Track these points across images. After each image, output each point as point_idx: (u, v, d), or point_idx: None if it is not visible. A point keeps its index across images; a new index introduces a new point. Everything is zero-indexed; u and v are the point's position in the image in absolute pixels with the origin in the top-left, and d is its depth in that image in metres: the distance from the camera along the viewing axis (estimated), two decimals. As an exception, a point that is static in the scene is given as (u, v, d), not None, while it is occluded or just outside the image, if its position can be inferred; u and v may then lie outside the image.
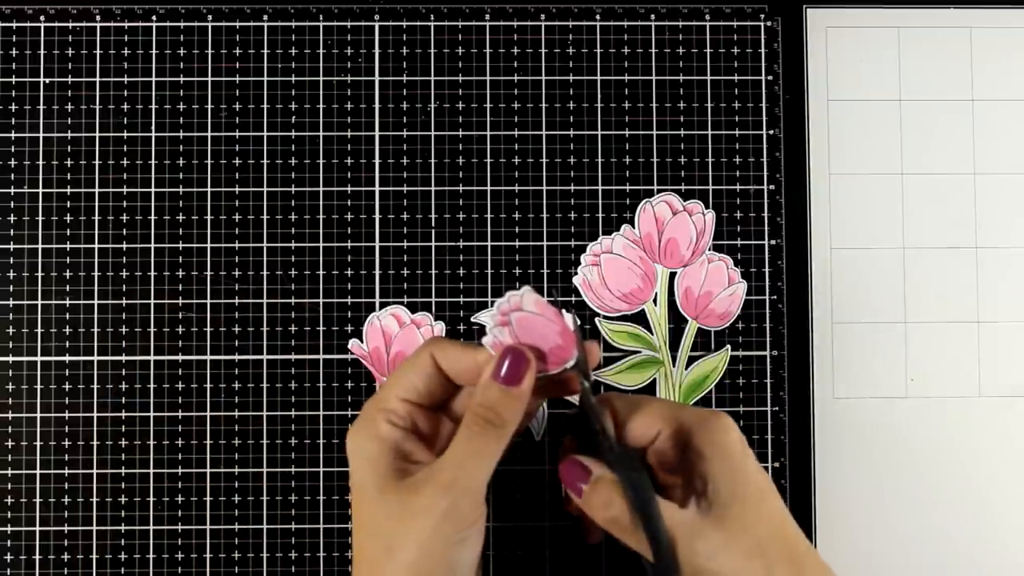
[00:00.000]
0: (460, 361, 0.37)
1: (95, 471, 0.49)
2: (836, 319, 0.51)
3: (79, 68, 0.51)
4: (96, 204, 0.50)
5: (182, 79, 0.51)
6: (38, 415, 0.49)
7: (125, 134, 0.51)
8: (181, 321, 0.50)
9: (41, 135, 0.50)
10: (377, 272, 0.50)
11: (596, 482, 0.37)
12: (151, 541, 0.49)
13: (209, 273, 0.50)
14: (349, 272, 0.50)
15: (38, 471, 0.49)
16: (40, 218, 0.50)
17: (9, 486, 0.49)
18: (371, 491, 0.35)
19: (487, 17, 0.51)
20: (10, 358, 0.50)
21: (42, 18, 0.51)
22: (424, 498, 0.34)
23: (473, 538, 0.36)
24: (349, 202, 0.50)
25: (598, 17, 0.51)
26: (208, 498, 0.49)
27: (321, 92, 0.51)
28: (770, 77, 0.51)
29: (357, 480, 0.36)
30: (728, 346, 0.50)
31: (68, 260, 0.50)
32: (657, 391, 0.50)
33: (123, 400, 0.49)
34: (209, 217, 0.50)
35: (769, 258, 0.51)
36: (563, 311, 0.37)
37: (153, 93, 0.51)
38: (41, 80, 0.51)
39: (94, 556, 0.49)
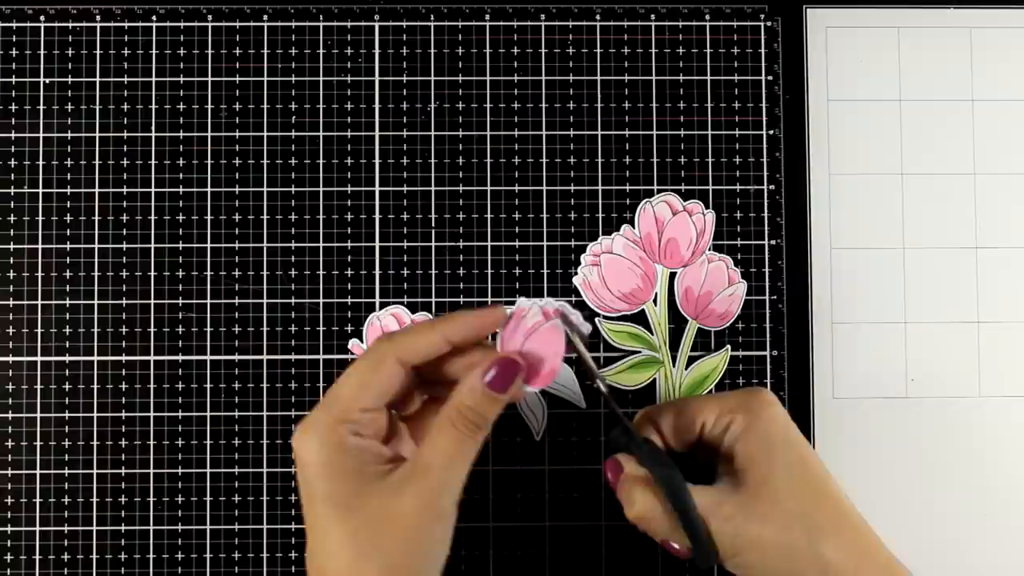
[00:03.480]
0: (426, 346, 0.36)
1: (95, 471, 0.49)
2: (836, 319, 0.51)
3: (79, 68, 0.51)
4: (96, 204, 0.50)
5: (182, 79, 0.51)
6: (38, 415, 0.49)
7: (125, 134, 0.51)
8: (181, 321, 0.50)
9: (41, 135, 0.50)
10: (377, 272, 0.50)
11: (622, 482, 0.38)
12: (151, 541, 0.49)
13: (209, 273, 0.50)
14: (349, 272, 0.50)
15: (38, 471, 0.49)
16: (40, 218, 0.50)
17: (9, 486, 0.49)
18: (347, 503, 0.34)
19: (487, 17, 0.51)
20: (10, 358, 0.50)
21: (42, 18, 0.51)
22: (409, 500, 0.34)
23: (450, 534, 0.36)
24: (349, 202, 0.50)
25: (598, 17, 0.51)
26: (208, 498, 0.49)
27: (321, 92, 0.51)
28: (770, 77, 0.51)
29: (326, 495, 0.34)
30: (728, 346, 0.50)
31: (68, 260, 0.50)
32: (657, 391, 0.50)
33: (123, 400, 0.49)
34: (209, 217, 0.50)
35: (769, 258, 0.51)
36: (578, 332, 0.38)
37: (153, 93, 0.51)
38: (41, 80, 0.51)
39: (94, 556, 0.49)
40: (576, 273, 0.50)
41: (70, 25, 0.51)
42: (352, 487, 0.34)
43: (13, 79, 0.51)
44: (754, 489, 0.36)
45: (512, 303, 0.50)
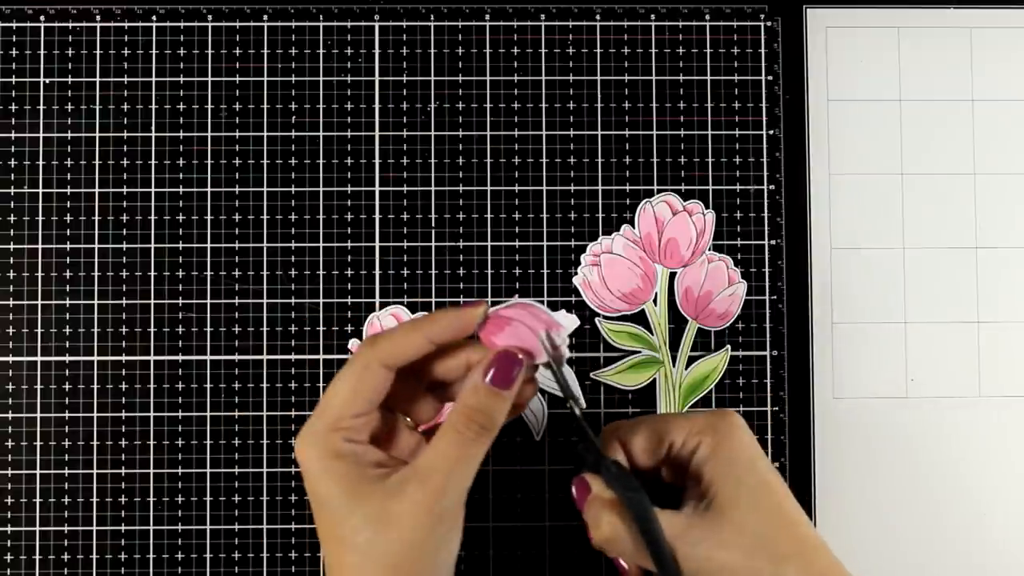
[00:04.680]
0: (411, 349, 0.36)
1: (95, 471, 0.49)
2: (836, 319, 0.51)
3: (79, 68, 0.51)
4: (96, 204, 0.50)
5: (182, 79, 0.51)
6: (38, 415, 0.49)
7: (125, 134, 0.51)
8: (181, 321, 0.50)
9: (41, 135, 0.50)
10: (377, 272, 0.50)
11: (589, 503, 0.37)
12: (151, 541, 0.49)
13: (209, 273, 0.50)
14: (349, 272, 0.50)
15: (38, 471, 0.49)
16: (40, 218, 0.50)
17: (9, 486, 0.49)
18: (346, 505, 0.34)
19: (487, 17, 0.51)
20: (10, 358, 0.50)
21: (42, 18, 0.51)
22: (407, 502, 0.34)
23: (457, 535, 0.36)
24: (349, 202, 0.50)
25: (598, 17, 0.51)
26: (208, 498, 0.49)
27: (321, 92, 0.51)
28: (770, 77, 0.51)
29: (327, 498, 0.35)
30: (728, 346, 0.50)
31: (68, 260, 0.50)
32: (657, 391, 0.50)
33: (123, 400, 0.49)
34: (209, 217, 0.50)
35: (769, 258, 0.51)
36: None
37: (153, 93, 0.51)
38: (41, 80, 0.51)
39: (94, 556, 0.49)
40: (576, 273, 0.50)
41: (70, 25, 0.51)
42: (352, 490, 0.34)
43: (13, 79, 0.51)
44: (720, 514, 0.36)
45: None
